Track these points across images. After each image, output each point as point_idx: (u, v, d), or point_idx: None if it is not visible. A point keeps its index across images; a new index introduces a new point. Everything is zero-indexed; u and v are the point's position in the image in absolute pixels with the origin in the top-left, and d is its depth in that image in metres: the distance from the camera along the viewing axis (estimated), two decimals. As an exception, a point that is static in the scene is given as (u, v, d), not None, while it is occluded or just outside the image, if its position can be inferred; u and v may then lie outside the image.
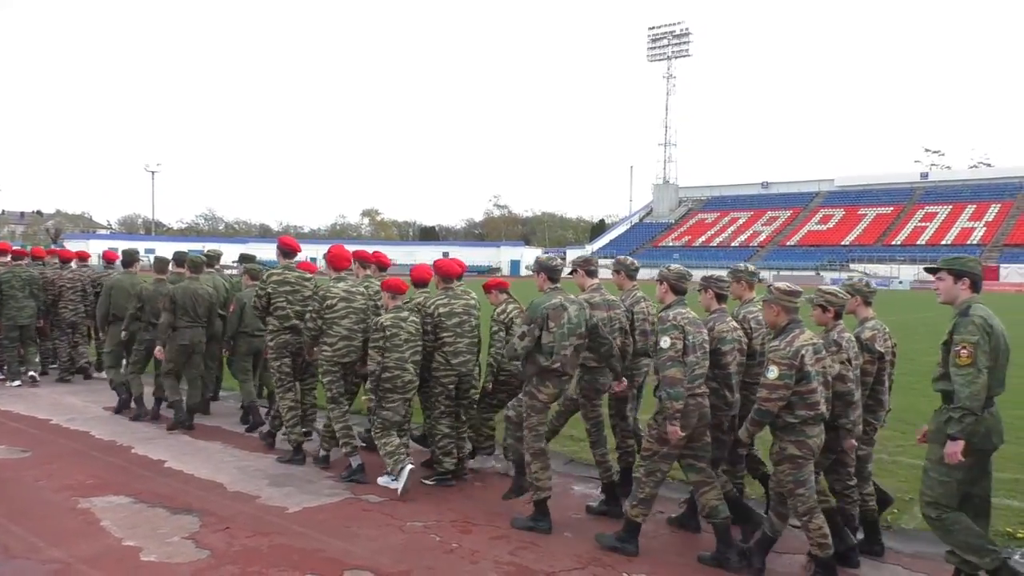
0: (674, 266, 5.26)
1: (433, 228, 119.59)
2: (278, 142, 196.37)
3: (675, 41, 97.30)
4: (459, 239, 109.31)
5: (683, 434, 4.78)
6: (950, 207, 76.56)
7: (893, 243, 71.99)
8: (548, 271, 5.68)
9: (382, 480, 6.29)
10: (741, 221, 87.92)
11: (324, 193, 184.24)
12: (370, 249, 7.87)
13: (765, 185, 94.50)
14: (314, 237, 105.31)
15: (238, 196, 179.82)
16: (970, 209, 74.99)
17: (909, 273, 62.68)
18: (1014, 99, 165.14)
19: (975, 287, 4.39)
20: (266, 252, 9.31)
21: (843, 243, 74.15)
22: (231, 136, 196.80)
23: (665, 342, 4.83)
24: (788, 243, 79.12)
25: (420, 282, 6.87)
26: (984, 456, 4.30)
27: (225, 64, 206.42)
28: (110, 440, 7.64)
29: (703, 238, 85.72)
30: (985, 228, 70.73)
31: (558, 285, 5.65)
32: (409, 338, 6.25)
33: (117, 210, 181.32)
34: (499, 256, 76.94)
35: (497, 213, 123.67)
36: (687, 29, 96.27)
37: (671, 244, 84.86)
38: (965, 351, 4.15)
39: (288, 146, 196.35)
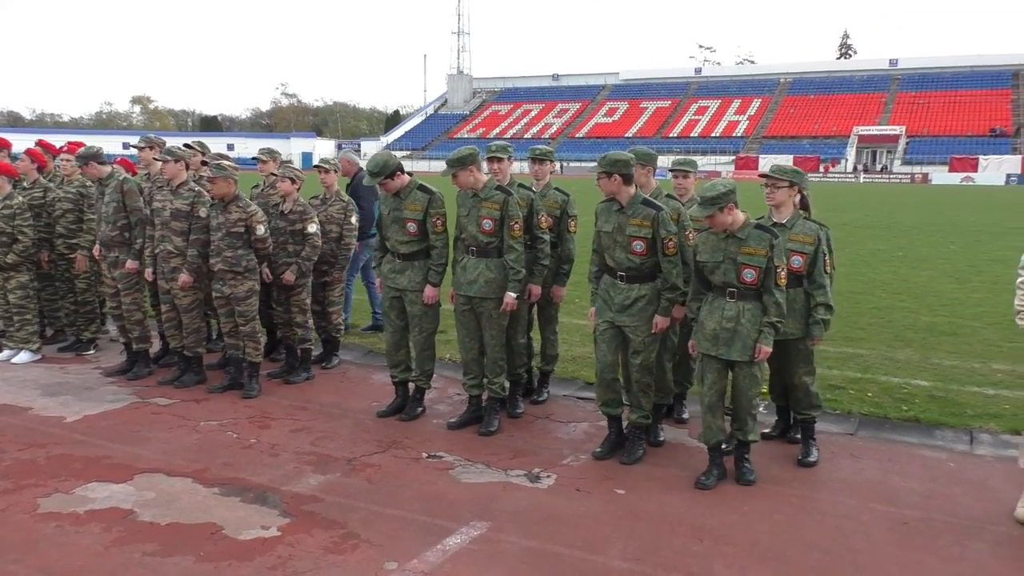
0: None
1: (215, 118, 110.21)
2: (25, 14, 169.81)
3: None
4: (245, 130, 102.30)
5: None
6: (719, 101, 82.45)
7: (670, 135, 76.75)
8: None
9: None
10: (533, 113, 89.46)
11: (86, 77, 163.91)
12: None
13: (556, 77, 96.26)
14: (77, 127, 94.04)
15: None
16: (736, 104, 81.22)
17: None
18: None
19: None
20: (18, 144, 8.20)
21: (626, 135, 77.74)
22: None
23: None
24: (577, 135, 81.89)
25: None
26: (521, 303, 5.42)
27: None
28: None
29: (497, 130, 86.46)
30: (748, 121, 77.20)
31: None
32: None
33: None
34: (289, 148, 72.93)
35: (285, 102, 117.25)
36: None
37: (466, 136, 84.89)
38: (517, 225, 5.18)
39: (39, 20, 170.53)
